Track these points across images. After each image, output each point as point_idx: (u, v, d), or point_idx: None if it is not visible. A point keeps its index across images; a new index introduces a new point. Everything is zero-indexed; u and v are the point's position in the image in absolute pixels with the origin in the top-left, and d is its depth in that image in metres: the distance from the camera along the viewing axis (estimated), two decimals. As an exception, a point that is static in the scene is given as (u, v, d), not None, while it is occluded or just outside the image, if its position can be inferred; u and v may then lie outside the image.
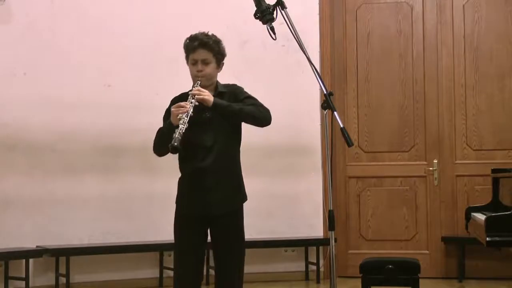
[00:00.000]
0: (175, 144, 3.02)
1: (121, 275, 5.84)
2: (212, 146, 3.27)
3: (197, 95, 3.20)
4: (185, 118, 3.10)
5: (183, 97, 3.28)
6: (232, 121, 3.31)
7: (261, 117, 3.32)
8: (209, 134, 3.27)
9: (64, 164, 5.79)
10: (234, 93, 3.36)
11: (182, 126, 3.07)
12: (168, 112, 3.32)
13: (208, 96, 3.23)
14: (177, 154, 3.31)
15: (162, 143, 3.22)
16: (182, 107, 3.15)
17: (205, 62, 3.32)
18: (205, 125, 3.27)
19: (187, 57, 3.37)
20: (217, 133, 3.28)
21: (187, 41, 3.37)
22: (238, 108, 3.28)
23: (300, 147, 6.23)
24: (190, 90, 3.28)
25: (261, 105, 3.34)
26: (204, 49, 3.31)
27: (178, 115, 3.12)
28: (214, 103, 3.23)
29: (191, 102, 3.17)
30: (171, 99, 3.41)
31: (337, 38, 6.43)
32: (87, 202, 5.80)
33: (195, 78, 3.31)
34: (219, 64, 3.38)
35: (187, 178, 3.32)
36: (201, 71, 3.30)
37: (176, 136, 3.04)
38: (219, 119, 3.28)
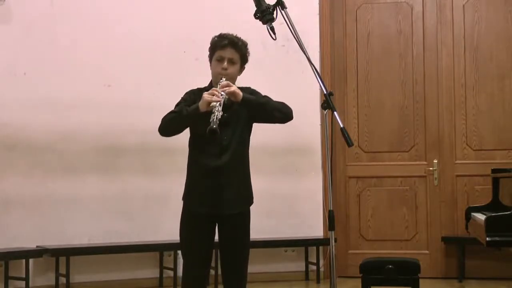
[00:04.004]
0: (214, 126, 3.00)
1: (121, 275, 5.84)
2: (227, 145, 3.27)
3: (228, 86, 3.19)
4: (219, 106, 3.08)
5: (201, 91, 3.25)
6: (257, 114, 3.30)
7: (286, 112, 3.34)
8: (225, 133, 3.25)
9: (64, 164, 5.79)
10: (252, 95, 3.36)
11: (218, 113, 3.06)
12: (184, 100, 3.32)
13: (237, 89, 3.23)
14: (188, 152, 3.34)
15: (178, 123, 3.23)
16: (215, 95, 3.13)
17: (232, 62, 3.32)
18: (222, 124, 3.26)
19: (212, 54, 3.36)
20: (233, 133, 3.29)
21: (216, 38, 3.37)
22: (265, 101, 3.30)
23: (300, 147, 6.23)
24: (205, 87, 3.31)
25: (282, 102, 3.37)
26: (233, 48, 3.33)
27: (211, 103, 3.10)
28: (243, 98, 3.22)
29: (222, 95, 3.15)
30: (186, 91, 3.40)
31: (337, 38, 6.43)
32: (87, 202, 5.80)
33: (218, 75, 3.29)
34: (242, 67, 3.39)
35: (200, 175, 3.30)
36: (226, 69, 3.30)
37: (214, 120, 3.02)
38: (236, 119, 3.29)
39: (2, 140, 5.62)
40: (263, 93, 3.41)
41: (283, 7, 3.22)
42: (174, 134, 3.32)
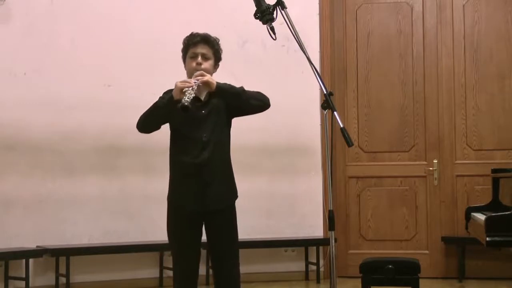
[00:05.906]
0: (186, 104, 3.03)
1: (121, 275, 5.84)
2: (208, 141, 3.28)
3: (201, 76, 3.23)
4: (191, 91, 3.12)
5: None
6: (234, 103, 3.31)
7: (262, 99, 3.37)
8: (205, 130, 3.28)
9: (64, 164, 5.79)
10: None
11: (190, 95, 3.09)
12: (161, 98, 3.33)
13: (211, 78, 3.25)
14: (170, 152, 3.37)
15: (155, 115, 3.26)
16: (188, 82, 3.18)
17: (205, 57, 3.36)
18: (201, 121, 3.28)
19: (185, 53, 3.40)
20: (213, 129, 3.30)
21: (187, 37, 3.41)
22: (241, 89, 3.32)
23: (300, 147, 6.23)
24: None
25: (258, 91, 3.40)
26: (205, 44, 3.37)
27: (183, 89, 3.13)
28: (218, 86, 3.25)
29: (195, 82, 3.19)
30: (164, 91, 3.41)
31: (337, 38, 6.43)
32: (87, 202, 5.80)
33: (193, 71, 3.31)
34: (216, 63, 3.42)
35: (183, 173, 3.33)
36: (200, 64, 3.33)
37: (185, 98, 3.06)
38: (215, 115, 3.31)
39: (2, 140, 5.62)
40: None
41: (283, 7, 3.23)
42: (152, 129, 3.35)
